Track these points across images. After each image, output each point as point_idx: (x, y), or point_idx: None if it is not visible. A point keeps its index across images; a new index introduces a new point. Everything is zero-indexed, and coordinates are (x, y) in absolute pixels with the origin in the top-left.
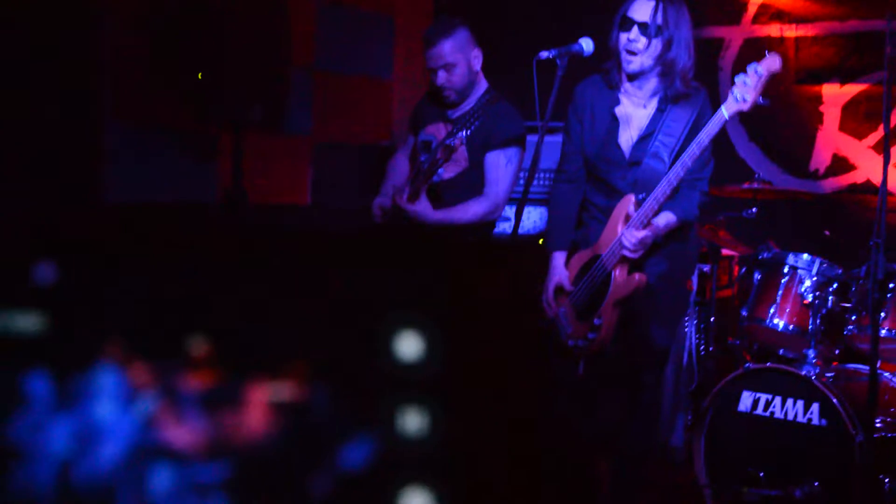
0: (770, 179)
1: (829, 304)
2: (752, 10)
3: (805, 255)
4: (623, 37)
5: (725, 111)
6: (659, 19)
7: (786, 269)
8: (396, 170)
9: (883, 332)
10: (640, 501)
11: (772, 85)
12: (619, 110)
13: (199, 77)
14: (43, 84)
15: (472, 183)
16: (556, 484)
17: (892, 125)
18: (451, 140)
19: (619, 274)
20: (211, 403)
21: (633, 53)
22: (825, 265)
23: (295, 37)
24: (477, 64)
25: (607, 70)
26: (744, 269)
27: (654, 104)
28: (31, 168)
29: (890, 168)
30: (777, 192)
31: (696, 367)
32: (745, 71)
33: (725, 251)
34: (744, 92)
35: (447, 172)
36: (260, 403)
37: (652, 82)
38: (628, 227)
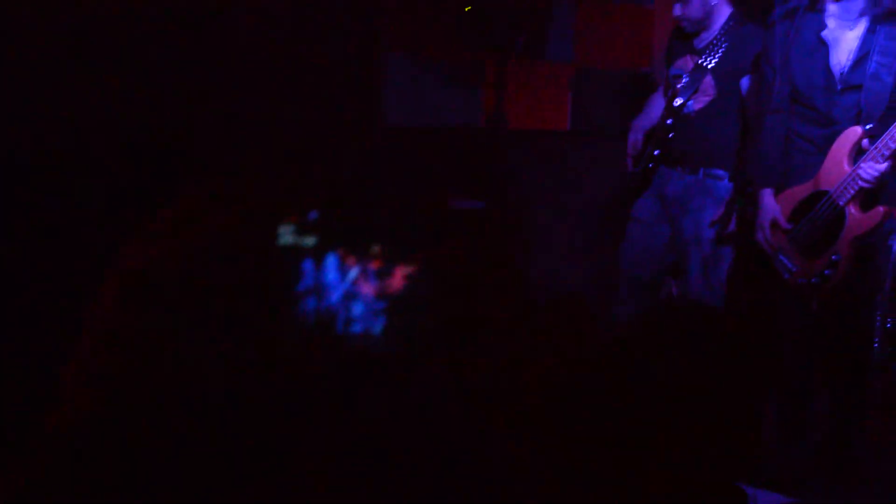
0: None
1: None
2: None
3: None
4: None
5: None
6: None
7: None
8: (653, 106)
9: None
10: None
11: None
12: (825, 33)
13: (467, 9)
14: (333, 24)
15: (724, 111)
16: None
17: None
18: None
19: (855, 209)
20: (379, 275)
21: None
22: None
23: None
24: None
25: None
26: None
27: (862, 24)
28: (323, 95)
29: None
30: None
31: None
32: None
33: None
34: None
35: (696, 104)
36: (400, 276)
37: (859, 1)
38: (866, 160)
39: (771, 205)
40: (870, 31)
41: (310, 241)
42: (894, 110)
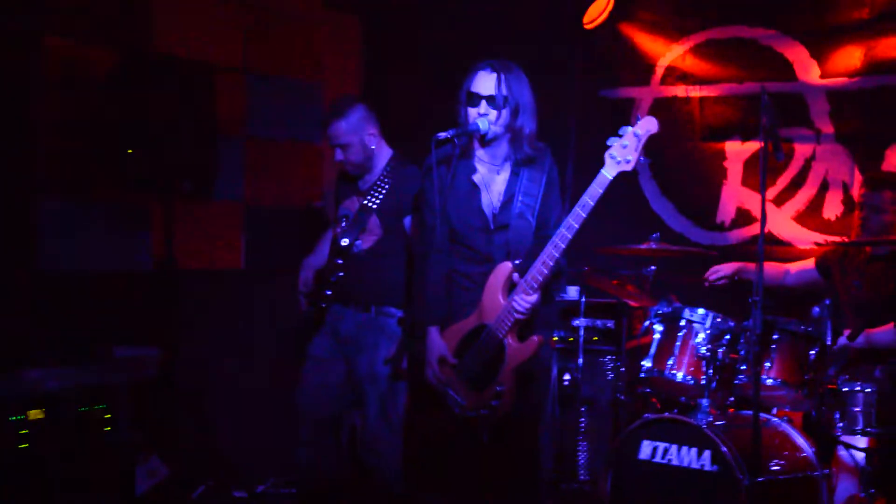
0: (681, 232)
1: (721, 355)
2: (659, 72)
3: (700, 310)
4: (473, 111)
5: (607, 173)
6: (504, 90)
7: (683, 323)
8: (324, 244)
9: (769, 381)
10: None
11: (673, 142)
12: (476, 177)
13: (129, 151)
14: None
15: (391, 250)
16: None
17: (781, 185)
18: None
19: (513, 340)
20: None
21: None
22: (719, 319)
23: (225, 107)
24: (372, 141)
25: (459, 140)
26: (647, 323)
27: (507, 168)
28: None
29: (785, 220)
30: (673, 249)
31: (610, 415)
32: (618, 135)
33: (634, 304)
34: (624, 154)
35: (364, 243)
36: None
37: (503, 148)
38: (517, 293)
39: (437, 341)
40: (514, 175)
41: None
42: (539, 246)
